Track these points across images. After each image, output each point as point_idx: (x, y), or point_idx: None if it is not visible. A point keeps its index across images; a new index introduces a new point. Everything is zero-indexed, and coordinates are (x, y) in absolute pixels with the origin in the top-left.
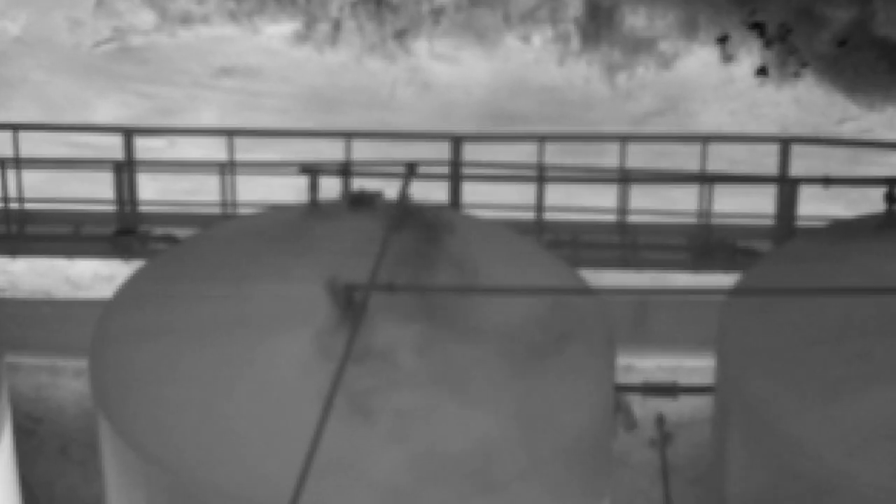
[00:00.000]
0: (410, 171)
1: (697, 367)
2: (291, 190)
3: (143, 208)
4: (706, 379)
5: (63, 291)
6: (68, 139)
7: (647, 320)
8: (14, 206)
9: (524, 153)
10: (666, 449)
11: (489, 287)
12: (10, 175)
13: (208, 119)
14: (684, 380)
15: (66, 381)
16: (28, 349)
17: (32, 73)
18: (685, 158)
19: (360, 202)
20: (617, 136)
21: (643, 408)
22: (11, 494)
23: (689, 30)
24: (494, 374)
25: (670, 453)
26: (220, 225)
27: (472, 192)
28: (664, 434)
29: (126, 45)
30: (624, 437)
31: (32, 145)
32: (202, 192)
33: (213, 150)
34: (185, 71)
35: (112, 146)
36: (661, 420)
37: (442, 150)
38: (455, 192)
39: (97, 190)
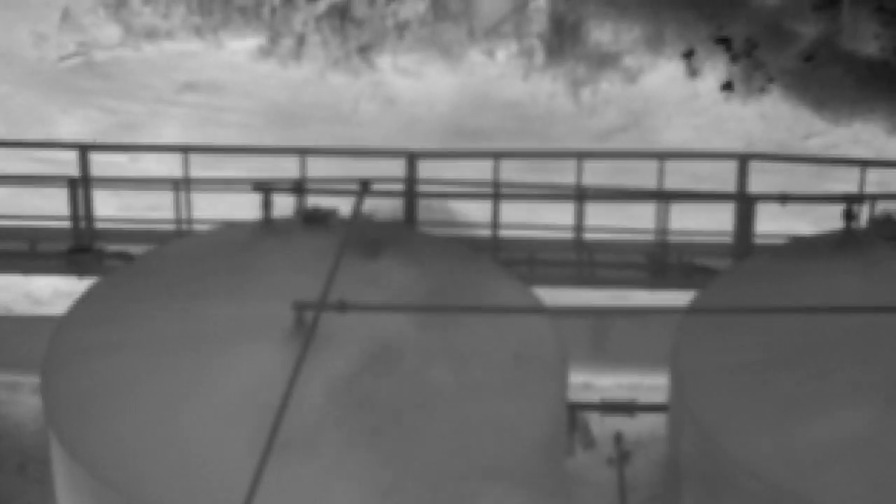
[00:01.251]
0: (364, 188)
1: (657, 384)
2: (252, 206)
3: (99, 225)
4: (665, 397)
5: (23, 307)
6: (32, 154)
7: (605, 338)
8: None
9: (486, 170)
10: (624, 467)
11: (442, 306)
12: None
13: (170, 134)
14: (645, 398)
15: (25, 397)
16: None
17: None
18: (648, 175)
19: (313, 220)
20: (573, 152)
21: (602, 426)
22: None
23: (655, 44)
24: (444, 393)
25: (628, 472)
26: (173, 242)
27: (433, 210)
28: (622, 452)
29: (90, 60)
30: (582, 456)
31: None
32: (163, 207)
33: (176, 165)
34: (149, 86)
35: (76, 161)
36: (619, 438)
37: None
38: (410, 209)
39: (59, 206)
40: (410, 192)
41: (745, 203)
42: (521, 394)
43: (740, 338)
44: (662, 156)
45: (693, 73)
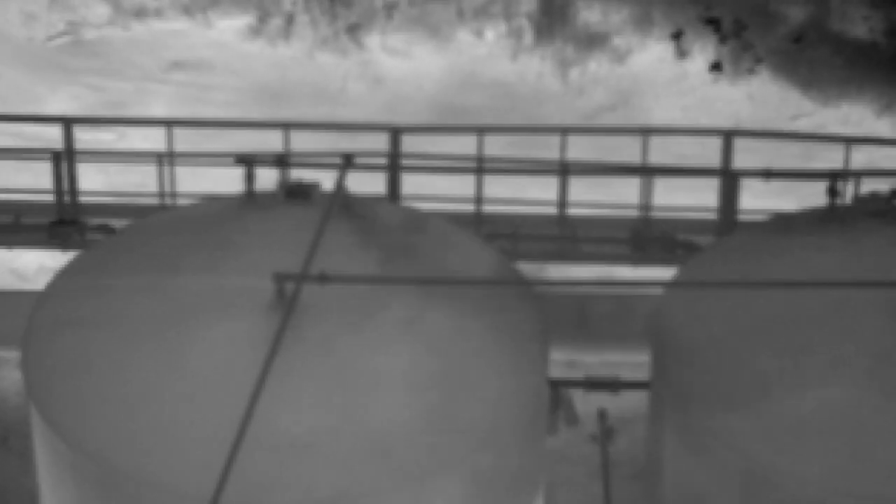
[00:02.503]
0: (347, 162)
1: (641, 361)
2: (236, 182)
3: (83, 199)
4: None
5: (8, 283)
6: (20, 131)
7: (589, 315)
8: None
9: (471, 148)
10: (607, 445)
11: (424, 278)
12: None
13: (158, 112)
14: (629, 375)
15: (8, 372)
16: None
17: None
18: (633, 154)
19: (296, 193)
20: (557, 127)
21: (585, 403)
22: None
23: (644, 25)
24: (422, 368)
25: (612, 449)
26: (155, 216)
27: (417, 185)
28: (606, 429)
29: (79, 39)
30: (565, 433)
31: None
32: (149, 185)
33: (162, 144)
34: (137, 64)
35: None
36: (602, 415)
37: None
38: (393, 184)
39: (45, 182)
40: (394, 167)
41: (729, 179)
42: (500, 369)
43: (720, 313)
44: (647, 131)
45: (682, 53)
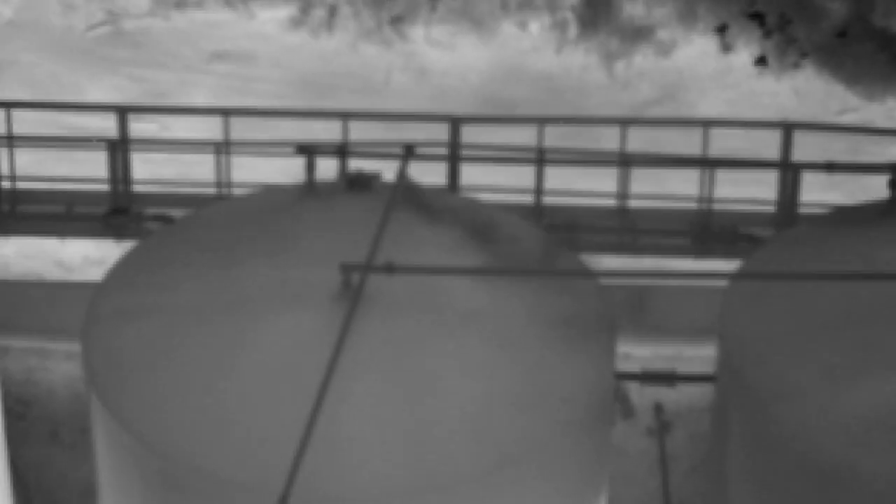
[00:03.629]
0: (408, 152)
1: (696, 355)
2: (284, 173)
3: (137, 188)
4: (705, 368)
5: (54, 274)
6: (64, 122)
7: (645, 307)
8: (6, 185)
9: (522, 138)
10: (664, 438)
11: (491, 268)
12: (3, 154)
13: (199, 103)
14: (683, 369)
15: (57, 364)
16: (18, 332)
17: (23, 56)
18: (683, 147)
19: (357, 183)
20: (618, 119)
21: (641, 396)
22: (1, 478)
23: (688, 19)
24: (492, 358)
25: (668, 443)
26: (214, 205)
27: (471, 176)
28: (662, 423)
29: (119, 29)
30: (621, 426)
31: (27, 126)
32: (194, 174)
33: (207, 135)
34: (178, 55)
35: (107, 130)
36: (659, 409)
37: (437, 135)
38: (453, 175)
39: (89, 172)
40: (454, 157)
41: (791, 171)
42: (570, 360)
43: (787, 306)
44: (707, 123)
45: (726, 47)
